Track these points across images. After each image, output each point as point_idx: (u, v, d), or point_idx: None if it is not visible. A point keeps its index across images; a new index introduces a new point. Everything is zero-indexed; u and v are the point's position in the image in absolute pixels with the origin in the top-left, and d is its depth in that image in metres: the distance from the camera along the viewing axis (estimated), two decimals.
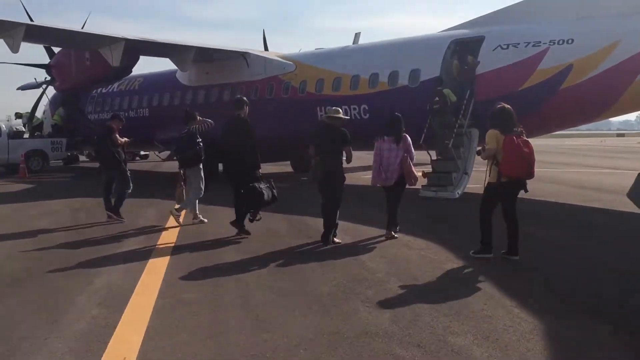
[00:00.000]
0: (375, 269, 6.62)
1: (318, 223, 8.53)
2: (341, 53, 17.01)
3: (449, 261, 7.00)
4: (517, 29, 13.43)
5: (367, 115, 15.26)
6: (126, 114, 21.48)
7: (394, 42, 16.18)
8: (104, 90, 23.06)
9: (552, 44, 12.75)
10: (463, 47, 14.21)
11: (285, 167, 21.57)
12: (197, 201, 10.00)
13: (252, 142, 8.62)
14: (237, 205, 8.74)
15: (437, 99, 13.22)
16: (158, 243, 8.31)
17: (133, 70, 18.35)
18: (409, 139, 8.44)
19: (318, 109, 16.33)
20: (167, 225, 9.72)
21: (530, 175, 6.83)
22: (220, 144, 8.70)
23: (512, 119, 6.88)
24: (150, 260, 7.17)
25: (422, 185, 13.30)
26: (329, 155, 8.06)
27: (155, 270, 6.66)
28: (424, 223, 9.63)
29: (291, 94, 17.04)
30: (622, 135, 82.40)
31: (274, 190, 8.80)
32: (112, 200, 10.37)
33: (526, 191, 7.14)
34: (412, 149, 8.45)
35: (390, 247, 7.82)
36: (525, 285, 5.99)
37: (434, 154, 13.61)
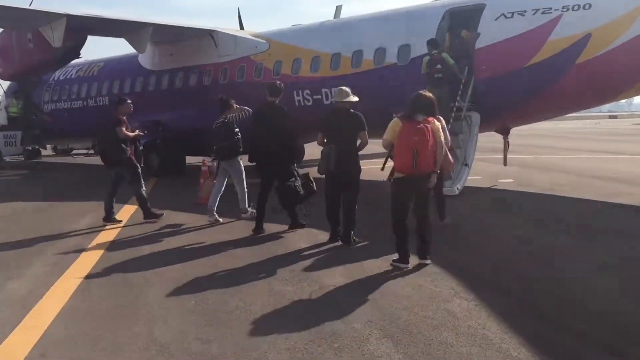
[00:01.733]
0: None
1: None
2: (320, 29, 14.95)
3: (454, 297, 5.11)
4: None
5: None
6: (84, 103, 19.55)
7: (380, 14, 14.10)
8: (61, 77, 20.85)
9: (565, 10, 10.79)
10: (460, 17, 12.23)
11: None
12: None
13: (289, 133, 8.03)
14: (261, 203, 8.11)
15: (439, 66, 11.20)
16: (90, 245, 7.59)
17: (99, 54, 16.25)
18: (442, 120, 7.12)
19: (294, 93, 14.31)
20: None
21: (420, 169, 5.96)
22: (251, 134, 8.10)
23: (418, 105, 6.09)
24: (76, 262, 6.70)
25: None
26: (340, 143, 7.15)
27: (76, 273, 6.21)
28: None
29: (264, 77, 14.98)
30: (615, 117, 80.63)
31: (312, 184, 8.23)
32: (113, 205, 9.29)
33: (428, 189, 6.27)
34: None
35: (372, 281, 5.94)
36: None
37: None
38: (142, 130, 9.77)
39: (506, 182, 12.99)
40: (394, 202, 6.27)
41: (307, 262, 6.44)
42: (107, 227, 8.77)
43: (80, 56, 16.12)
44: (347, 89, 7.39)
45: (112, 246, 7.54)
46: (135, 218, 9.48)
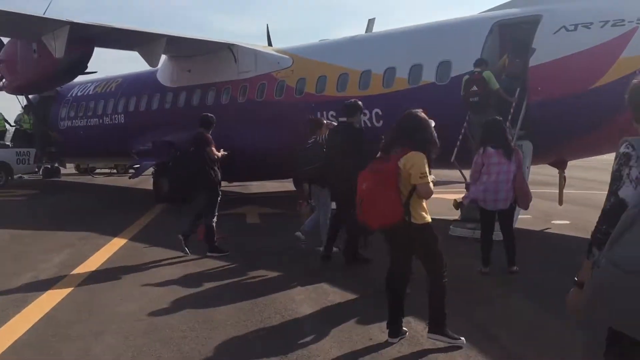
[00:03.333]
0: None
1: None
2: (349, 43, 13.35)
3: None
4: (590, 3, 9.67)
5: (381, 122, 11.58)
6: (100, 121, 18.40)
7: (417, 27, 12.41)
8: (79, 93, 19.85)
9: None
10: (511, 30, 10.49)
11: (287, 184, 18.07)
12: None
13: (364, 157, 6.77)
14: (334, 226, 7.69)
15: (474, 88, 9.52)
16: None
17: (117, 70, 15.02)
18: (520, 152, 7.23)
19: (318, 113, 12.72)
20: None
21: (369, 223, 4.60)
22: (327, 156, 7.66)
23: (395, 133, 4.71)
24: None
25: (453, 221, 9.63)
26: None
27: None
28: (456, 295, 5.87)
29: (286, 96, 13.46)
30: None
31: None
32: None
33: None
34: None
35: None
36: None
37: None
38: (225, 150, 8.68)
39: (561, 224, 11.05)
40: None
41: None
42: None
43: (88, 69, 14.92)
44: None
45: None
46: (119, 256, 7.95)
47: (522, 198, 7.22)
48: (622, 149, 2.33)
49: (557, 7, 9.98)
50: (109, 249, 8.51)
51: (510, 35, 10.50)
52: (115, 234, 9.77)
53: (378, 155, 4.73)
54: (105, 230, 10.06)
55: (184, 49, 15.03)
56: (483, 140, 7.25)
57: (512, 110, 9.71)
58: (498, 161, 6.90)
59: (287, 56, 13.93)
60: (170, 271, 7.17)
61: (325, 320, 5.28)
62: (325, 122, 8.66)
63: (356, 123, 7.73)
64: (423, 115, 4.69)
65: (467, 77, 9.80)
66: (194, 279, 6.79)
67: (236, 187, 17.26)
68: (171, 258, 7.93)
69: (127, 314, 5.44)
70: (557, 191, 11.49)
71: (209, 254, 8.03)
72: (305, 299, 5.91)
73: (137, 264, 7.58)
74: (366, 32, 15.23)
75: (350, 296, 6.06)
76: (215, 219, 8.23)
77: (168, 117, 16.06)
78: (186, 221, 8.45)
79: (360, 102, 7.85)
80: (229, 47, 14.51)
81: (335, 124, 8.89)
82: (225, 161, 8.60)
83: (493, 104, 9.64)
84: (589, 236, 2.45)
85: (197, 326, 5.09)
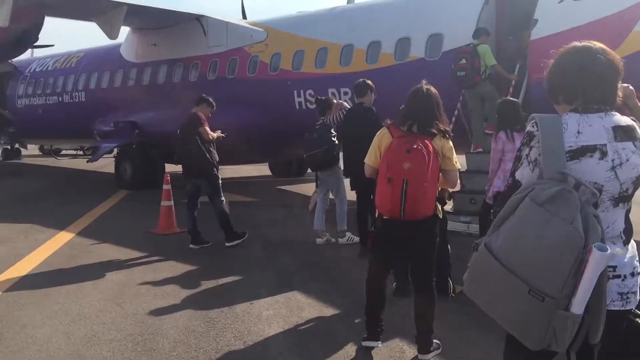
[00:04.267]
0: None
1: None
2: (329, 15, 12.12)
3: None
4: None
5: None
6: (59, 99, 16.98)
7: None
8: (37, 69, 18.35)
9: None
10: (510, 0, 9.39)
11: (262, 169, 16.94)
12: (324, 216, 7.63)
13: None
14: (362, 220, 6.82)
15: (462, 61, 8.50)
16: None
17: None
18: None
19: (295, 93, 11.58)
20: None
21: (408, 213, 3.71)
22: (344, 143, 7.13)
23: (419, 106, 3.93)
24: None
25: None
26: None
27: None
28: (446, 307, 4.81)
29: (259, 72, 12.25)
30: None
31: None
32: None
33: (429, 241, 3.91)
34: None
35: None
36: None
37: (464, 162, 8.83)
38: (222, 131, 8.02)
39: None
40: (373, 257, 4.17)
41: None
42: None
43: (44, 42, 13.53)
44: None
45: None
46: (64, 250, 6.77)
47: None
48: (528, 127, 2.09)
49: None
50: (49, 247, 7.34)
51: (509, 5, 9.41)
52: (61, 226, 8.59)
53: (403, 131, 3.90)
54: (51, 222, 8.88)
55: (148, 20, 13.69)
56: (504, 122, 6.22)
57: (511, 90, 8.68)
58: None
59: (261, 29, 12.68)
60: (115, 278, 6.02)
61: (298, 347, 4.20)
62: (335, 102, 8.02)
63: (367, 103, 7.12)
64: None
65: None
66: (141, 288, 5.65)
67: None
68: (121, 260, 6.78)
69: (45, 340, 4.30)
70: None
71: (227, 244, 7.38)
72: (275, 317, 4.82)
73: (78, 267, 6.44)
74: (348, 3, 14.01)
75: (329, 311, 4.99)
76: (225, 202, 7.62)
77: (131, 95, 14.77)
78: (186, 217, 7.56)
79: (369, 81, 7.22)
80: (198, 19, 13.21)
81: (346, 104, 8.09)
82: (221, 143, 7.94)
83: (489, 78, 8.62)
84: None
85: (134, 358, 3.98)
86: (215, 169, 7.59)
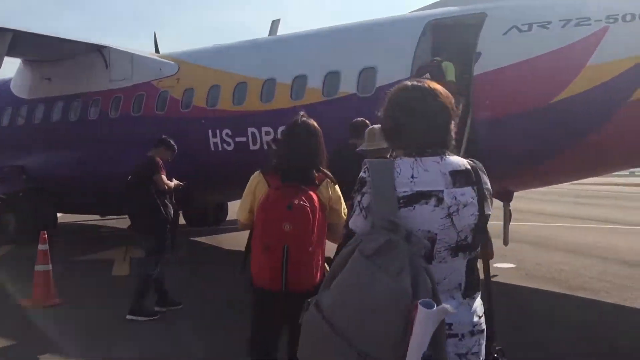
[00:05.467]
0: None
1: None
2: (249, 47, 10.88)
3: None
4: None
5: None
6: None
7: (334, 28, 10.15)
8: None
9: (611, 21, 7.23)
10: (450, 31, 8.51)
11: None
12: None
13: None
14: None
15: (427, 76, 7.46)
16: None
17: None
18: None
19: (210, 132, 10.18)
20: None
21: (291, 283, 3.03)
22: None
23: (299, 147, 3.26)
24: None
25: None
26: None
27: None
28: None
29: (169, 110, 10.78)
30: None
31: None
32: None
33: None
34: None
35: None
36: None
37: None
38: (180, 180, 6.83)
39: (506, 268, 9.17)
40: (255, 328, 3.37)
41: None
42: None
43: None
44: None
45: None
46: None
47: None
48: (361, 173, 1.97)
49: (504, 4, 8.14)
50: None
51: (448, 37, 8.53)
52: None
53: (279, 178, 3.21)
54: None
55: (41, 51, 11.98)
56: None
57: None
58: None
59: (171, 62, 11.29)
60: None
61: None
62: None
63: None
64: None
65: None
66: None
67: (112, 219, 14.27)
68: None
69: None
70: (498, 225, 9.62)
71: (129, 316, 6.00)
72: None
73: None
74: (270, 34, 12.89)
75: None
76: (157, 271, 6.27)
77: (21, 135, 12.87)
78: None
79: (363, 121, 6.07)
80: (99, 50, 11.65)
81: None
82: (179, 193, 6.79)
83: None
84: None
85: None
86: (167, 226, 6.41)
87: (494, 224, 9.74)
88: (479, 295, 1.97)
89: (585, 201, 25.08)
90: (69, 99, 12.22)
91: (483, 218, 1.93)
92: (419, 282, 1.67)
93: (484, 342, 1.94)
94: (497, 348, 2.14)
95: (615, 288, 7.74)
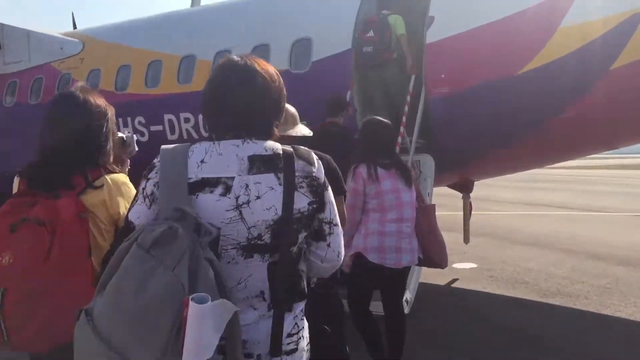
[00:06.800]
0: None
1: None
2: (165, 21, 9.31)
3: None
4: None
5: None
6: None
7: None
8: None
9: None
10: None
11: None
12: None
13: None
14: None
15: (370, 33, 6.58)
16: None
17: None
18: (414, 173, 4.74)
19: (120, 120, 8.63)
20: None
21: (14, 344, 2.02)
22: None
23: (56, 133, 2.26)
24: None
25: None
26: None
27: None
28: None
29: None
30: None
31: None
32: None
33: None
34: None
35: None
36: None
37: None
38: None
39: (467, 268, 8.05)
40: None
41: None
42: None
43: None
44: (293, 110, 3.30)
45: None
46: None
47: (435, 248, 4.26)
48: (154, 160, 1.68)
49: None
50: None
51: (395, 1, 7.23)
52: None
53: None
54: None
55: None
56: (367, 152, 4.22)
57: (406, 108, 6.44)
58: (392, 188, 4.05)
59: (75, 39, 9.63)
60: None
61: None
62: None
63: (341, 122, 5.70)
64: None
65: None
66: None
67: None
68: None
69: None
70: (453, 216, 8.49)
71: None
72: None
73: None
74: (192, 6, 11.30)
75: None
76: None
77: None
78: None
79: (342, 95, 5.93)
80: None
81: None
82: None
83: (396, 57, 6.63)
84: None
85: None
86: None
87: (447, 215, 8.64)
88: (301, 308, 1.67)
89: (540, 186, 24.51)
90: None
91: (288, 214, 1.59)
92: (198, 275, 1.41)
93: None
94: None
95: (594, 291, 6.68)
